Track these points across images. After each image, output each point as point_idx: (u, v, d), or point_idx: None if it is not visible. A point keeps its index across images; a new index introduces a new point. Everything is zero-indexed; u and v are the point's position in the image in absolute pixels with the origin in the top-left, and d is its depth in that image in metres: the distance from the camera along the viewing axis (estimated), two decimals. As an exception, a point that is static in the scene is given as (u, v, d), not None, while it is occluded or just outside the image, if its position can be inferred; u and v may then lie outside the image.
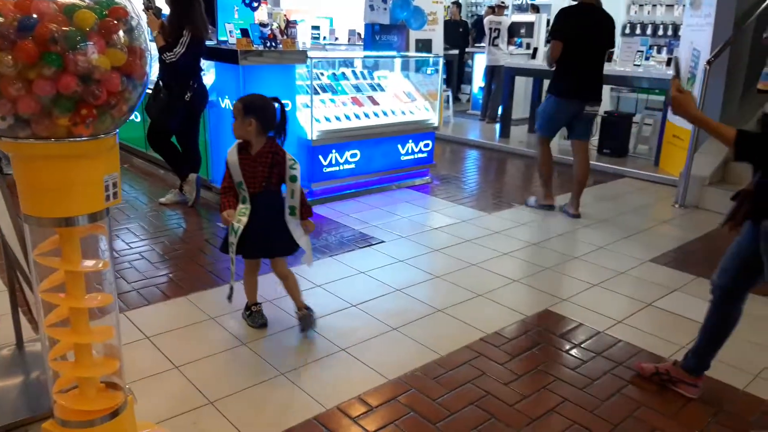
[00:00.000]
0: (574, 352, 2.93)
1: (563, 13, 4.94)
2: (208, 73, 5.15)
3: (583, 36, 4.79)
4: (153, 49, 5.86)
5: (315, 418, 2.35)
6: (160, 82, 4.77)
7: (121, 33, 1.53)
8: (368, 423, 2.34)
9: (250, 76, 4.61)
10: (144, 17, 4.91)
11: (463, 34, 11.56)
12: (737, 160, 2.23)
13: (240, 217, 2.79)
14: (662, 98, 6.89)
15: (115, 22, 1.52)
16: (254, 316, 3.08)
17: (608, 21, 4.93)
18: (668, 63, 7.09)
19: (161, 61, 4.70)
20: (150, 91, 4.96)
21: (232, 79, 4.71)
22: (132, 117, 5.83)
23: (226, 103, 4.86)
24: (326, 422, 2.33)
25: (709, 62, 5.26)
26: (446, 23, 11.63)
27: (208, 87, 4.95)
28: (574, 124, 5.12)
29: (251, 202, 2.83)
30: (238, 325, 3.08)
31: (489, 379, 2.66)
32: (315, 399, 2.47)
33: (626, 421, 2.42)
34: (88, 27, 1.46)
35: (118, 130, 1.68)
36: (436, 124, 6.05)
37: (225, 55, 4.71)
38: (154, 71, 5.38)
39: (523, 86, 9.16)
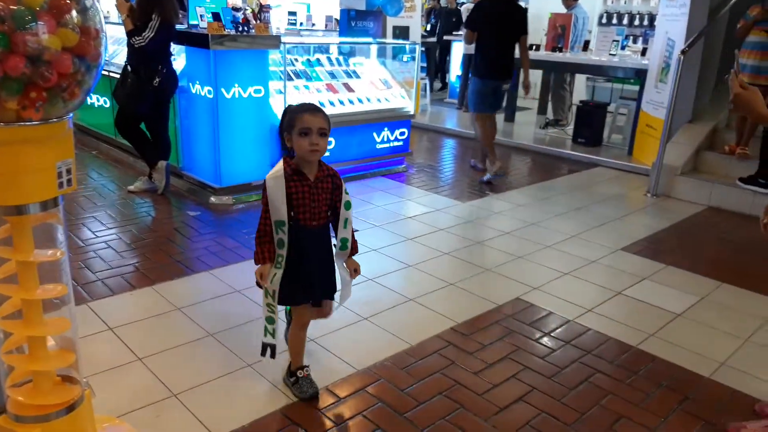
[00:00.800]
0: (543, 340, 2.94)
1: (476, 5, 5.78)
2: (179, 57, 5.04)
3: (493, 25, 5.50)
4: (111, 30, 5.73)
5: (281, 410, 2.32)
6: (128, 67, 4.66)
7: (73, 12, 1.46)
8: (336, 414, 2.32)
9: (221, 61, 4.52)
10: None
11: (457, 23, 11.51)
12: None
13: (276, 271, 2.22)
14: (637, 88, 6.92)
15: (67, 1, 1.45)
16: (302, 384, 2.40)
17: (518, 11, 5.65)
18: (643, 53, 7.12)
19: (130, 45, 4.59)
20: (118, 76, 4.85)
21: (203, 64, 4.61)
22: (101, 103, 5.70)
23: (197, 89, 4.76)
24: (293, 414, 2.30)
25: (683, 52, 5.29)
26: (441, 11, 11.58)
27: (178, 72, 4.85)
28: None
29: (302, 239, 2.25)
30: (204, 315, 3.02)
31: (458, 369, 2.65)
32: (282, 391, 2.43)
33: (594, 409, 2.43)
34: (37, 6, 1.39)
35: (71, 115, 1.61)
36: (412, 112, 6.01)
37: (196, 40, 4.61)
38: (121, 55, 5.26)
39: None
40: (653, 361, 2.79)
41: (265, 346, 2.30)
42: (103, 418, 2.14)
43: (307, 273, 2.28)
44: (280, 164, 2.26)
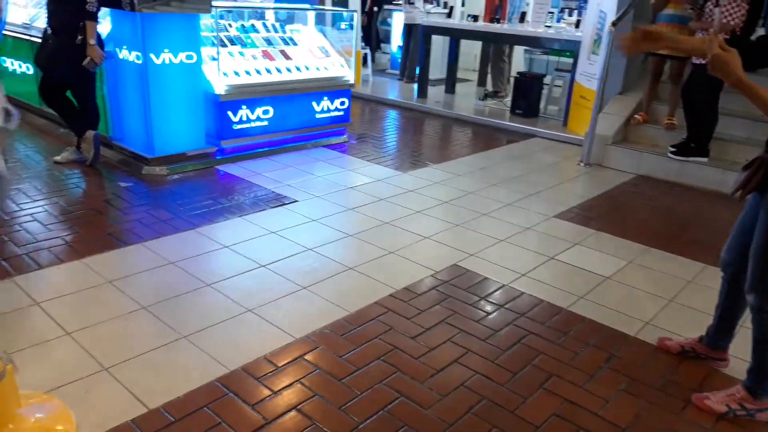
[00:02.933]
0: (479, 305, 3.01)
1: None
2: (104, 21, 4.79)
3: None
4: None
5: (217, 380, 2.29)
6: (48, 29, 4.40)
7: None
8: (273, 382, 2.31)
9: (149, 25, 4.33)
10: None
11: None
12: None
13: None
14: (571, 60, 7.07)
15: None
16: None
17: None
18: (577, 25, 7.26)
19: (50, 5, 4.33)
20: (39, 41, 4.58)
21: (130, 27, 4.41)
22: (23, 69, 5.38)
23: (124, 54, 4.55)
24: (229, 384, 2.28)
25: (613, 24, 5.41)
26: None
27: (103, 36, 4.61)
28: None
29: None
30: (137, 289, 2.93)
31: (396, 334, 2.69)
32: (218, 361, 2.41)
33: (525, 369, 2.51)
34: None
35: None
36: (351, 82, 5.94)
37: (121, 2, 4.38)
38: (43, 19, 4.95)
39: (441, 46, 9.15)
40: (582, 322, 2.90)
41: None
42: (30, 394, 2.06)
43: None
44: None
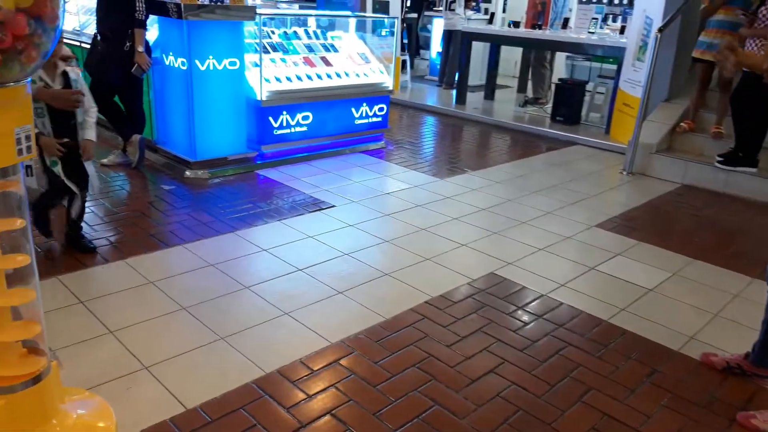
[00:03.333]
0: (516, 314, 2.97)
1: None
2: (151, 28, 4.92)
3: None
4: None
5: (254, 382, 2.32)
6: (98, 36, 4.54)
7: (28, -29, 1.41)
8: (308, 386, 2.32)
9: (195, 32, 4.43)
10: None
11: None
12: None
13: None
14: (615, 67, 6.93)
15: (21, -42, 1.39)
16: None
17: None
18: (622, 31, 7.12)
19: (99, 12, 4.47)
20: (89, 47, 4.73)
21: (177, 35, 4.51)
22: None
23: (170, 61, 4.66)
24: (265, 386, 2.30)
25: (660, 30, 5.30)
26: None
27: (150, 43, 4.74)
28: None
29: None
30: (178, 289, 2.99)
31: (431, 342, 2.67)
32: (255, 363, 2.43)
33: (563, 381, 2.46)
34: (-12, -37, 1.34)
35: (30, 79, 1.56)
36: (390, 88, 5.96)
37: (169, 10, 4.50)
38: (93, 25, 5.12)
39: (480, 52, 9.10)
40: (623, 335, 2.83)
41: None
42: (72, 390, 2.11)
43: None
44: None
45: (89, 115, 3.16)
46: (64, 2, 1.54)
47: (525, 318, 2.94)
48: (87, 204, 4.00)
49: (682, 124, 5.74)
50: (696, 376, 2.56)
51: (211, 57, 4.53)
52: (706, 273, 3.57)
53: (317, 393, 2.29)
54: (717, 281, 3.46)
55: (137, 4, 4.33)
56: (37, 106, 2.84)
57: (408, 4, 11.02)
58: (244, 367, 2.41)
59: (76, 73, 3.10)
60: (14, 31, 1.39)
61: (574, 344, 2.73)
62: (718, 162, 5.13)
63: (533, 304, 3.08)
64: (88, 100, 3.15)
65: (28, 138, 1.57)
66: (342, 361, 2.49)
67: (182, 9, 4.28)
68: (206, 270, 3.21)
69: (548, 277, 3.38)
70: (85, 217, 3.81)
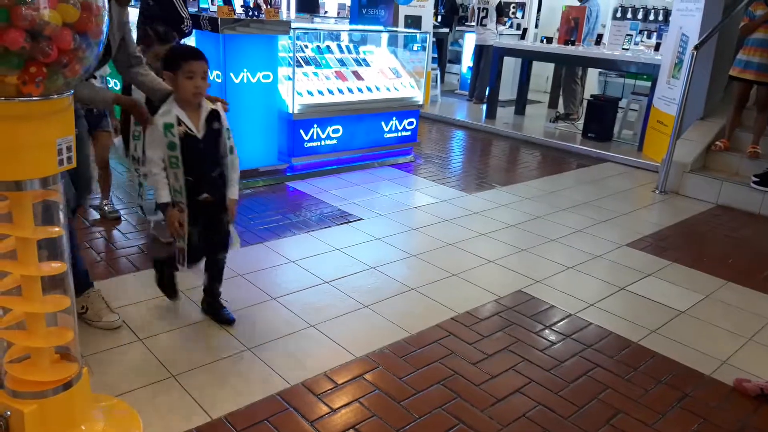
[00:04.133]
0: (544, 333, 2.93)
1: None
2: (188, 41, 5.02)
3: None
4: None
5: (279, 393, 2.33)
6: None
7: (75, -12, 1.46)
8: (332, 400, 2.32)
9: (230, 46, 4.51)
10: None
11: (450, 13, 11.44)
12: None
13: None
14: (649, 84, 6.85)
15: (68, -25, 1.44)
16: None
17: None
18: (656, 48, 7.04)
19: (140, 22, 4.58)
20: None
21: (213, 48, 4.60)
22: (111, 84, 5.68)
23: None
24: (289, 399, 2.30)
25: (696, 47, 5.22)
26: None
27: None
28: None
29: None
30: (207, 298, 3.03)
31: (457, 359, 2.65)
32: (280, 375, 2.44)
33: (591, 403, 2.42)
34: (37, -20, 1.39)
35: (72, 91, 1.61)
36: (420, 102, 5.98)
37: (206, 23, 4.60)
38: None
39: (512, 67, 9.08)
40: (653, 358, 2.77)
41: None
42: (100, 396, 2.15)
43: None
44: None
45: (235, 170, 2.70)
46: (109, 19, 1.58)
47: (552, 338, 2.90)
48: (122, 212, 4.10)
49: (717, 142, 5.63)
50: (728, 402, 2.49)
51: (245, 70, 4.61)
52: (741, 296, 3.48)
53: (341, 407, 2.29)
54: (751, 304, 3.37)
55: (184, 19, 4.42)
56: (171, 155, 2.45)
57: (439, 19, 11.09)
58: (269, 378, 2.42)
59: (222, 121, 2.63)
60: (60, 45, 1.44)
61: (603, 366, 2.68)
62: (754, 182, 5.02)
63: (561, 323, 3.04)
64: (233, 159, 2.68)
65: (69, 149, 1.62)
66: (366, 376, 2.49)
67: (219, 23, 4.36)
68: (234, 280, 3.24)
69: (577, 296, 3.33)
70: (121, 225, 3.90)
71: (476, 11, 9.21)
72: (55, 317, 1.82)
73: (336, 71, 5.55)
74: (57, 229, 1.72)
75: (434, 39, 9.41)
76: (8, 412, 1.73)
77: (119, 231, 3.80)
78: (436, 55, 9.82)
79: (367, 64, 5.87)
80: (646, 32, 9.04)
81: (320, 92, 5.27)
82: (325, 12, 11.46)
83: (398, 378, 2.49)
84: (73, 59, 1.49)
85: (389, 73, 5.94)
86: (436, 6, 10.97)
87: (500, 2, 9.25)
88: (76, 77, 1.55)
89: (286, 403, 2.28)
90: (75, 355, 1.86)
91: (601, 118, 7.16)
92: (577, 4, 8.27)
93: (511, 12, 10.37)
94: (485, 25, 9.13)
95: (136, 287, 3.11)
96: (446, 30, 11.11)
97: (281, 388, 2.36)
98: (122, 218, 4.00)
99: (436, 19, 10.96)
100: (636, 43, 7.81)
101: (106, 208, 4.00)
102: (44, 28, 1.40)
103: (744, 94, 5.51)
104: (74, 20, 1.45)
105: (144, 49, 4.10)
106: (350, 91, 5.48)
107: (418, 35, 6.41)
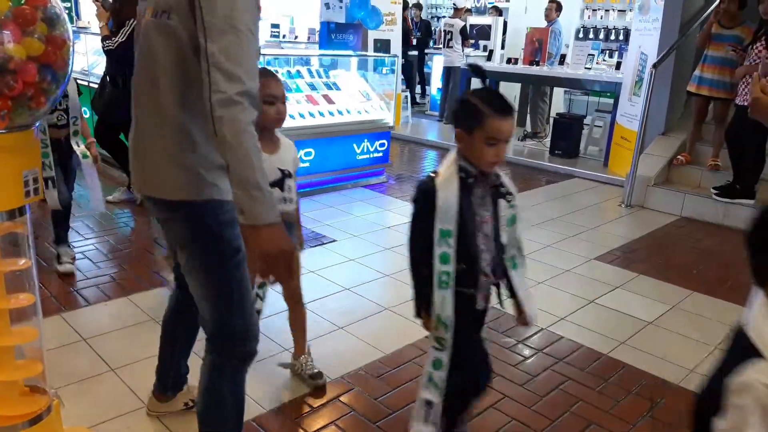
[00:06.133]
0: (516, 348, 2.97)
1: None
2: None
3: None
4: (92, 41, 5.69)
5: (253, 419, 2.32)
6: (107, 77, 4.65)
7: (39, 22, 1.48)
8: (308, 424, 2.32)
9: (199, 73, 4.52)
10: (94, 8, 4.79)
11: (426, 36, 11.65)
12: None
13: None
14: (611, 101, 7.04)
15: (32, 10, 1.46)
16: None
17: None
18: (618, 67, 7.26)
19: (107, 53, 4.59)
20: (96, 86, 4.84)
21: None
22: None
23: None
24: (265, 424, 2.30)
25: (655, 65, 5.40)
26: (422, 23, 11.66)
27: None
28: None
29: None
30: (180, 325, 3.00)
31: (431, 377, 2.67)
32: (254, 400, 2.43)
33: (564, 416, 2.46)
34: (1, 15, 1.40)
35: (38, 123, 1.62)
36: (391, 124, 6.06)
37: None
38: (101, 66, 5.25)
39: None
40: (623, 369, 2.83)
41: None
42: (73, 429, 2.12)
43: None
44: None
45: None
46: (74, 51, 1.60)
47: (525, 352, 2.94)
48: (90, 241, 4.05)
49: (679, 156, 5.80)
50: (697, 410, 2.55)
51: (214, 96, 4.62)
52: (706, 305, 3.57)
53: (317, 430, 2.29)
54: (717, 313, 3.47)
55: (116, 36, 4.44)
56: None
57: (414, 42, 11.26)
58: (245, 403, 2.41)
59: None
60: (25, 79, 1.45)
61: (575, 378, 2.73)
62: (715, 194, 5.18)
63: (533, 338, 3.09)
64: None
65: (35, 180, 1.62)
66: (342, 398, 2.50)
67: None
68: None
69: (548, 310, 3.39)
70: (89, 253, 3.86)
71: (443, 34, 9.40)
72: (22, 350, 1.80)
73: (307, 95, 5.61)
74: (23, 261, 1.72)
75: (403, 60, 9.56)
76: (-24, 449, 1.70)
77: (90, 260, 3.76)
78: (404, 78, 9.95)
79: (338, 88, 5.94)
80: (607, 51, 9.30)
81: (291, 116, 5.29)
82: (296, 37, 11.57)
83: (374, 399, 2.50)
84: (39, 92, 1.50)
85: (360, 96, 6.01)
86: (411, 30, 11.16)
87: (464, 26, 9.45)
88: (42, 109, 1.56)
89: (261, 428, 2.28)
90: (45, 387, 1.84)
91: (567, 135, 7.33)
92: (541, 26, 8.48)
93: (473, 34, 10.55)
94: (452, 47, 9.32)
95: (107, 317, 3.08)
96: (415, 53, 11.29)
97: (256, 413, 2.36)
98: (95, 249, 3.96)
99: (412, 43, 11.14)
100: (597, 63, 8.04)
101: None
102: (8, 62, 1.41)
103: (702, 110, 5.70)
104: (39, 54, 1.47)
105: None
106: (321, 114, 5.53)
107: (386, 59, 6.52)
